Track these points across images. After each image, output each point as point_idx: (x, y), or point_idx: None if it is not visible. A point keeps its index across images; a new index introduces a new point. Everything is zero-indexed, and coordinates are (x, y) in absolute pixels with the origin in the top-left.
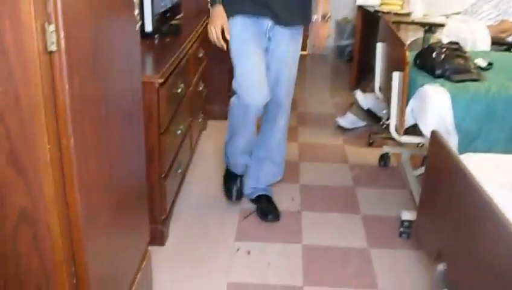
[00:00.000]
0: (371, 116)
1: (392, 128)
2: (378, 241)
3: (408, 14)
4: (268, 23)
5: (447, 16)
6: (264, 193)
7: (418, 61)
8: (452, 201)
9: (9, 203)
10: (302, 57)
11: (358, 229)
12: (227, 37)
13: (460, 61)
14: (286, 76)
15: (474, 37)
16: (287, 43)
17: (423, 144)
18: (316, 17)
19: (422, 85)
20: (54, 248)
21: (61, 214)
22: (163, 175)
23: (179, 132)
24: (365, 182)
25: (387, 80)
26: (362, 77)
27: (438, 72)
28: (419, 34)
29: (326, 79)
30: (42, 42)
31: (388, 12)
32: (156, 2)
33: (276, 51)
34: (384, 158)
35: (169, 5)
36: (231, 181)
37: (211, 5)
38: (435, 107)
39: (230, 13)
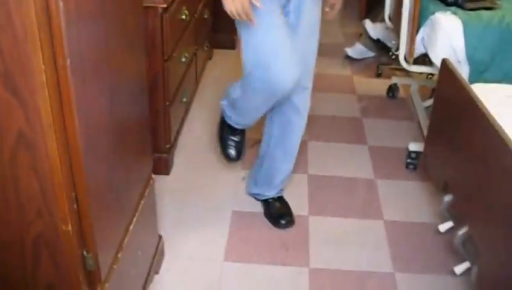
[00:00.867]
0: (380, 46)
1: (401, 58)
2: (385, 172)
3: None
4: None
5: None
6: (276, 195)
7: None
8: (461, 132)
9: (7, 126)
10: None
11: (365, 160)
12: (258, 4)
13: None
14: (310, 56)
15: None
16: (310, 14)
17: (432, 76)
18: None
19: (433, 13)
20: (52, 173)
21: (59, 138)
22: (167, 103)
23: (184, 59)
24: (373, 113)
25: (398, 8)
26: (372, 5)
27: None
28: None
29: None
30: None
31: None
32: None
33: (299, 27)
34: (392, 89)
35: None
36: (230, 135)
37: None
38: (446, 36)
39: None
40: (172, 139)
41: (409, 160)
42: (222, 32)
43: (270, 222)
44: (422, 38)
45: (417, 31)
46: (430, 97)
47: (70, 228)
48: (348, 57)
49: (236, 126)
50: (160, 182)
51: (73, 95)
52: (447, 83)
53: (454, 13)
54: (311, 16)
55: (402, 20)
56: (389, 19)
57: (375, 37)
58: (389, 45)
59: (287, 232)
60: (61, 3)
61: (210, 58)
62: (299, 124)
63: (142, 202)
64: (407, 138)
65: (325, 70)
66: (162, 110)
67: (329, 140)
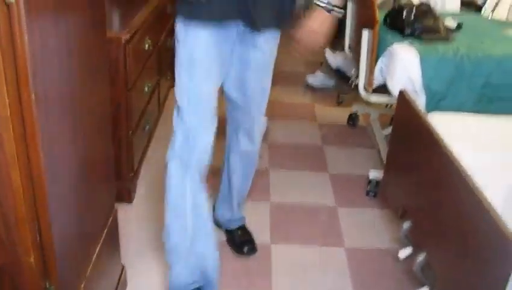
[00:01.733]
0: (341, 75)
1: (360, 87)
2: (346, 200)
3: None
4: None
5: None
6: (239, 223)
7: (388, 20)
8: (418, 160)
9: None
10: None
11: (326, 188)
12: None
13: (430, 21)
14: (258, 90)
15: None
16: (262, 48)
17: (392, 105)
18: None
19: (391, 44)
20: (15, 203)
21: (22, 170)
22: (130, 132)
23: (147, 88)
24: (334, 141)
25: (357, 38)
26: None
27: (408, 31)
28: None
29: None
30: None
31: None
32: None
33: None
34: (353, 117)
35: None
36: None
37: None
38: (403, 67)
39: (185, 16)
40: (135, 167)
41: (369, 187)
42: None
43: (233, 249)
44: (381, 69)
45: (376, 62)
46: (390, 125)
47: (32, 259)
48: (309, 86)
49: None
50: (123, 210)
51: (37, 128)
52: (405, 113)
53: (411, 44)
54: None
55: (361, 50)
56: (349, 48)
57: (334, 66)
58: (348, 74)
59: (250, 260)
60: (26, 37)
61: (173, 87)
62: (254, 154)
63: (105, 231)
64: (367, 165)
65: (286, 99)
66: (125, 139)
67: (291, 168)
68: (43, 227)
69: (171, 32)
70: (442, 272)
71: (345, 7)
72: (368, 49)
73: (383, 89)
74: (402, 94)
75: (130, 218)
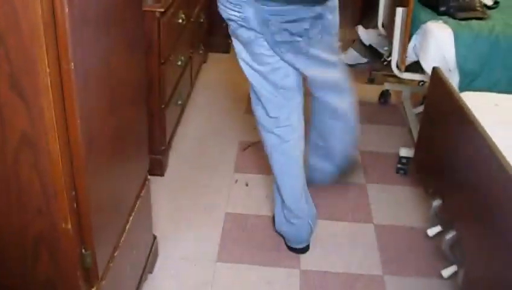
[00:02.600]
0: (373, 52)
1: (393, 65)
2: (376, 177)
3: None
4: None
5: None
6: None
7: None
8: (450, 138)
9: (11, 127)
10: None
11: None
12: None
13: None
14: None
15: None
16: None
17: (424, 83)
18: None
19: (425, 22)
20: (54, 172)
21: (61, 139)
22: (163, 106)
23: (180, 63)
24: (365, 119)
25: (391, 16)
26: (365, 12)
27: (442, 9)
28: None
29: None
30: None
31: None
32: None
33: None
34: (384, 95)
35: None
36: None
37: None
38: (437, 45)
39: None
40: (167, 141)
41: (399, 165)
42: (217, 36)
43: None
44: (414, 46)
45: (409, 39)
46: (421, 104)
47: (70, 226)
48: None
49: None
50: (155, 183)
51: (75, 97)
52: (437, 91)
53: (446, 22)
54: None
55: (394, 28)
56: (382, 25)
57: (367, 43)
58: (381, 51)
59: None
60: (66, 9)
61: (205, 62)
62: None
63: (138, 202)
64: (398, 143)
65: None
66: (158, 113)
67: None
68: (80, 196)
69: (205, 7)
70: (471, 251)
71: None
72: (401, 27)
73: (415, 66)
74: (435, 71)
75: (162, 190)
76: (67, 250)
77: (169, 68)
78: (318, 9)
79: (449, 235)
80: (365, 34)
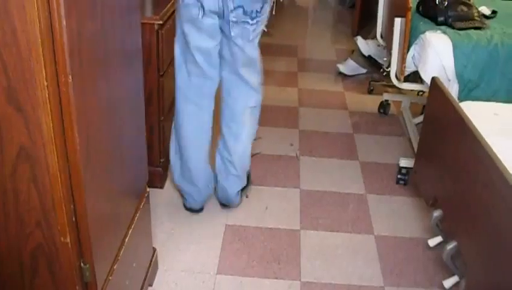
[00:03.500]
0: (372, 63)
1: (392, 75)
2: (376, 188)
3: None
4: None
5: None
6: None
7: (420, 8)
8: (450, 148)
9: (9, 140)
10: (303, 2)
11: (356, 175)
12: None
13: (464, 8)
14: None
15: None
16: None
17: (423, 93)
18: None
19: (424, 32)
20: (52, 185)
21: (59, 152)
22: (162, 118)
23: None
24: (364, 129)
25: (389, 26)
26: (364, 23)
27: (441, 19)
28: None
29: (328, 25)
30: None
31: None
32: None
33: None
34: (383, 105)
35: None
36: None
37: None
38: (436, 54)
39: None
40: (167, 153)
41: (399, 175)
42: None
43: None
44: (413, 56)
45: (408, 49)
46: (421, 114)
47: (68, 239)
48: (340, 74)
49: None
50: (155, 195)
51: (74, 110)
52: (437, 101)
53: (444, 32)
54: None
55: (393, 38)
56: (381, 36)
57: (366, 54)
58: (380, 61)
59: (279, 246)
60: (64, 23)
61: None
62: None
63: (138, 214)
64: (397, 153)
65: (317, 87)
66: (157, 125)
67: (321, 155)
68: (79, 209)
69: None
70: (472, 262)
71: None
72: (400, 37)
73: (414, 76)
74: (434, 81)
75: (161, 203)
76: (66, 263)
77: (169, 80)
78: None
79: (450, 246)
80: (364, 45)
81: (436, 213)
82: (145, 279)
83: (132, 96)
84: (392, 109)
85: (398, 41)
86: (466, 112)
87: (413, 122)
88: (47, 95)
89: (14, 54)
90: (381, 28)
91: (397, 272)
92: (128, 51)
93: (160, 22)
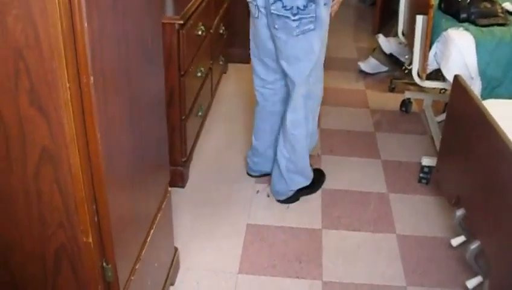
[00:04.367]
0: (393, 61)
1: (414, 73)
2: (398, 187)
3: None
4: None
5: None
6: None
7: (442, 5)
8: (473, 146)
9: (31, 141)
10: None
11: (378, 174)
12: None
13: (487, 4)
14: None
15: None
16: None
17: (445, 90)
18: None
19: (446, 29)
20: (75, 185)
21: (81, 152)
22: (183, 117)
23: (200, 74)
24: (386, 127)
25: (411, 24)
26: (385, 21)
27: (463, 15)
28: None
29: (349, 23)
30: None
31: None
32: None
33: None
34: (405, 104)
35: None
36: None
37: None
38: (458, 52)
39: None
40: (188, 152)
41: (421, 174)
42: (237, 46)
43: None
44: (435, 54)
45: (430, 47)
46: (443, 112)
47: (91, 239)
48: (361, 72)
49: None
50: (176, 194)
51: (95, 111)
52: (460, 99)
53: (467, 29)
54: None
55: (415, 36)
56: (402, 34)
57: (388, 52)
58: (402, 59)
59: (300, 245)
60: (85, 24)
61: (225, 72)
62: None
63: (160, 214)
64: (420, 152)
65: (339, 85)
66: (178, 124)
67: (342, 154)
68: (101, 209)
69: (224, 18)
70: (496, 261)
71: None
72: (422, 35)
73: (436, 74)
74: (457, 79)
75: (183, 202)
76: (88, 263)
77: (189, 80)
78: None
79: (473, 246)
80: (386, 43)
81: (459, 212)
82: (166, 278)
83: (153, 96)
84: (414, 107)
85: (419, 39)
86: (489, 110)
87: (435, 120)
88: (69, 96)
89: (36, 56)
90: (403, 26)
91: (420, 272)
92: (149, 51)
93: (181, 22)
